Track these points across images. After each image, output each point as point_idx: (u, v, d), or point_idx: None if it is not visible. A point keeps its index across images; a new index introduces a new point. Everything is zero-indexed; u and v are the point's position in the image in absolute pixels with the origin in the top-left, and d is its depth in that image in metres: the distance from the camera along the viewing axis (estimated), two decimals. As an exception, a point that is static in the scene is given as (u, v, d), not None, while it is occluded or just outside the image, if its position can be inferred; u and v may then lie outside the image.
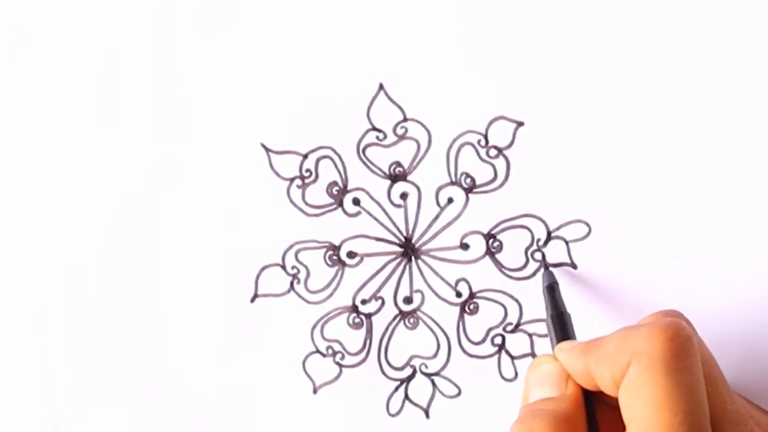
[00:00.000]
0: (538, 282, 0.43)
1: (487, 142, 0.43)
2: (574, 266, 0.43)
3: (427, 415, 0.44)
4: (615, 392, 0.34)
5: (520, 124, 0.43)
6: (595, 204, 0.42)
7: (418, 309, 0.44)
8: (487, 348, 0.43)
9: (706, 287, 0.42)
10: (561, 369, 0.36)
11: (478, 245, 0.43)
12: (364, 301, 0.44)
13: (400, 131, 0.43)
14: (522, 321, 0.43)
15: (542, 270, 0.43)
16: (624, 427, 0.34)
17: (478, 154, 0.43)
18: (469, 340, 0.43)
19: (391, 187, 0.44)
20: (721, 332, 0.42)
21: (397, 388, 0.44)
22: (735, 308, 0.42)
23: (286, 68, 0.43)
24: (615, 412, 0.35)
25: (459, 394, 0.44)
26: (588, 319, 0.42)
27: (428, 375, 0.44)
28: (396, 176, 0.44)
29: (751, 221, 0.42)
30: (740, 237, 0.42)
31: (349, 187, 0.44)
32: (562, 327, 0.39)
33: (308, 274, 0.44)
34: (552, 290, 0.41)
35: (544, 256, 0.43)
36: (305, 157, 0.44)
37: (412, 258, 0.44)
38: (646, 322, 0.34)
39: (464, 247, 0.43)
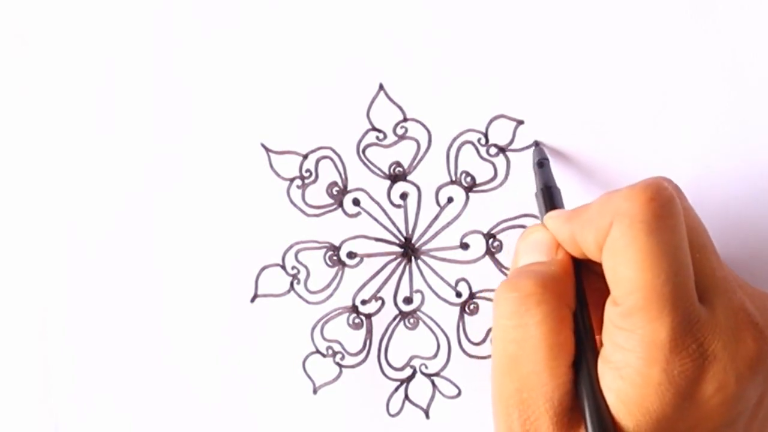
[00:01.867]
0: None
1: (487, 140, 0.43)
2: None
3: (427, 416, 0.44)
4: (597, 256, 0.33)
5: (520, 122, 0.43)
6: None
7: (418, 309, 0.44)
8: (487, 348, 0.43)
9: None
10: (551, 237, 0.36)
11: (478, 245, 0.43)
12: (364, 302, 0.44)
13: (400, 131, 0.43)
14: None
15: (533, 147, 0.42)
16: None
17: (478, 152, 0.43)
18: (469, 340, 0.43)
19: (391, 187, 0.44)
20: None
21: (397, 389, 0.44)
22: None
23: (286, 68, 0.43)
24: (602, 280, 0.35)
25: (459, 394, 0.43)
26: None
27: (428, 375, 0.44)
28: (396, 176, 0.44)
29: (751, 221, 0.42)
30: (740, 237, 0.42)
31: (349, 188, 0.44)
32: (551, 199, 0.39)
33: (308, 274, 0.44)
34: (542, 165, 0.40)
35: (537, 143, 0.42)
36: (305, 157, 0.44)
37: (412, 258, 0.44)
38: (629, 185, 0.33)
39: (464, 246, 0.43)
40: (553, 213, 0.37)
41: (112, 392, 0.44)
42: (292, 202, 0.44)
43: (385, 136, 0.43)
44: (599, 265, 0.34)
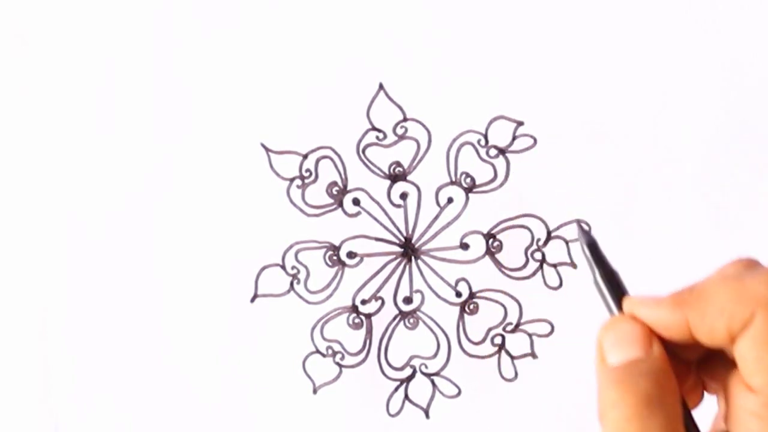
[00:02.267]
0: (539, 282, 0.43)
1: (487, 141, 0.43)
2: (574, 266, 0.43)
3: (427, 415, 0.44)
4: (725, 344, 0.33)
5: (519, 123, 0.43)
6: (595, 204, 0.42)
7: (418, 309, 0.44)
8: (487, 348, 0.43)
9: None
10: (642, 328, 0.36)
11: (478, 245, 0.43)
12: (364, 302, 0.44)
13: (400, 131, 0.43)
14: (522, 321, 0.43)
15: (576, 226, 0.41)
16: (689, 381, 0.34)
17: (478, 153, 0.43)
18: (469, 340, 0.43)
19: (391, 187, 0.44)
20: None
21: (397, 388, 0.44)
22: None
23: (286, 68, 0.43)
24: (681, 364, 0.34)
25: (459, 394, 0.43)
26: (588, 321, 0.42)
27: (428, 375, 0.44)
28: (396, 176, 0.44)
29: (750, 221, 0.42)
30: (740, 237, 0.42)
31: (349, 187, 0.44)
32: (619, 285, 0.38)
33: (308, 274, 0.44)
34: (595, 249, 0.39)
35: (579, 223, 0.42)
36: (305, 157, 0.44)
37: (412, 258, 0.44)
38: (753, 272, 0.33)
39: (464, 247, 0.43)
40: (641, 300, 0.36)
41: (112, 392, 0.44)
42: (292, 202, 0.44)
43: (385, 136, 0.43)
44: (686, 350, 0.34)
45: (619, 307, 0.36)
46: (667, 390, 0.33)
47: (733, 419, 0.33)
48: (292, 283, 0.44)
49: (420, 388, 0.44)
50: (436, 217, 0.44)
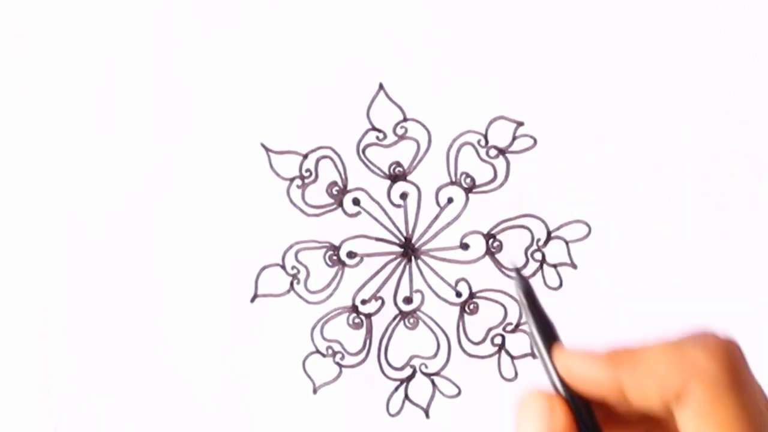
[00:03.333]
0: (539, 282, 0.43)
1: (487, 141, 0.43)
2: (574, 266, 0.43)
3: (427, 415, 0.44)
4: (660, 410, 0.33)
5: (520, 124, 0.43)
6: (595, 204, 0.42)
7: (418, 309, 0.44)
8: (487, 348, 0.43)
9: (706, 287, 0.42)
10: (559, 421, 0.35)
11: (478, 245, 0.43)
12: (364, 302, 0.44)
13: (400, 131, 0.43)
14: (522, 321, 0.43)
15: (515, 275, 0.41)
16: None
17: (478, 154, 0.43)
18: (469, 340, 0.43)
19: (391, 187, 0.44)
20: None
21: (397, 388, 0.44)
22: (735, 308, 0.42)
23: (286, 68, 0.43)
24: (616, 422, 0.34)
25: (459, 394, 0.43)
26: (588, 321, 0.42)
27: (428, 375, 0.44)
28: (396, 176, 0.44)
29: (750, 221, 0.42)
30: (740, 237, 0.42)
31: (349, 187, 0.44)
32: (552, 334, 0.37)
33: (308, 274, 0.44)
34: (532, 297, 0.38)
35: (518, 270, 0.41)
36: (305, 157, 0.44)
37: (412, 258, 0.44)
38: (695, 339, 0.33)
39: (464, 247, 0.43)
40: (573, 353, 0.35)
41: (112, 392, 0.44)
42: (292, 202, 0.44)
43: (385, 136, 0.43)
44: (620, 408, 0.34)
45: (550, 353, 0.35)
46: None
47: None
48: (292, 283, 0.44)
49: (420, 388, 0.44)
50: (436, 217, 0.44)
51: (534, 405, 0.35)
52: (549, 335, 0.35)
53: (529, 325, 0.36)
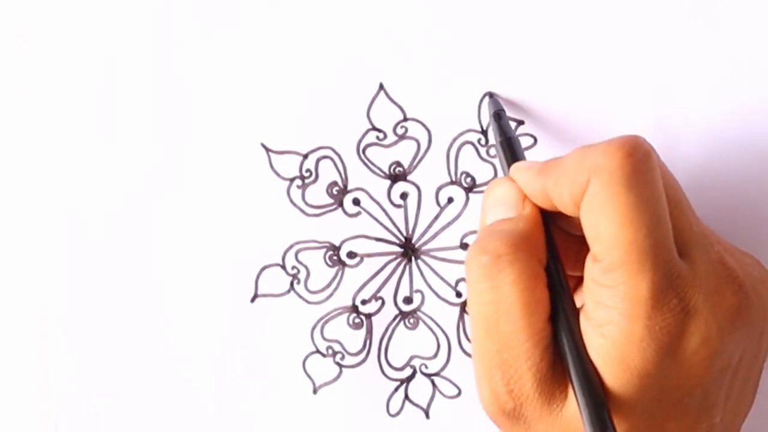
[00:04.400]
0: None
1: (487, 141, 0.43)
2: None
3: (427, 416, 0.44)
4: (574, 211, 0.33)
5: (520, 122, 0.43)
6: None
7: (418, 309, 0.44)
8: (488, 348, 0.43)
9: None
10: (517, 190, 0.35)
11: (478, 245, 0.43)
12: (364, 302, 0.44)
13: (400, 131, 0.43)
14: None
15: (487, 98, 0.41)
16: (579, 251, 0.34)
17: (478, 153, 0.43)
18: (470, 340, 0.43)
19: (391, 187, 0.44)
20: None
21: (397, 389, 0.44)
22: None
23: (286, 68, 0.43)
24: (570, 237, 0.34)
25: (459, 394, 0.43)
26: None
27: (428, 375, 0.44)
28: (396, 176, 0.44)
29: (751, 221, 0.42)
30: (740, 237, 0.42)
31: (349, 187, 0.44)
32: (512, 151, 0.38)
33: (308, 274, 0.44)
34: (499, 117, 0.40)
35: (491, 95, 0.42)
36: (305, 157, 0.44)
37: (412, 258, 0.44)
38: (604, 141, 0.33)
39: (464, 247, 0.43)
40: (520, 164, 0.36)
41: (112, 392, 0.44)
42: (292, 201, 0.44)
43: (385, 136, 0.43)
44: (567, 222, 0.34)
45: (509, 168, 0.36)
46: (523, 250, 0.33)
47: (585, 290, 0.33)
48: (292, 283, 0.44)
49: (420, 388, 0.44)
50: (437, 217, 0.44)
51: (506, 191, 0.35)
52: (513, 154, 0.37)
53: (495, 144, 0.38)
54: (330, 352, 0.44)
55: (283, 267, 0.44)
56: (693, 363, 0.32)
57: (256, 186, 0.44)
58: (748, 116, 0.42)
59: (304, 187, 0.44)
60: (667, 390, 0.32)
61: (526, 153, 0.42)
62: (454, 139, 0.43)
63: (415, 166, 0.43)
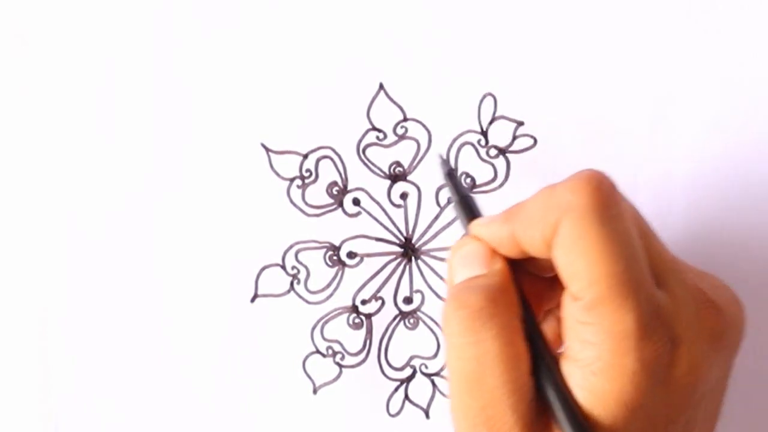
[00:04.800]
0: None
1: (487, 141, 0.43)
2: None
3: (427, 416, 0.44)
4: (546, 253, 0.33)
5: (520, 123, 0.43)
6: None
7: (418, 309, 0.44)
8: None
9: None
10: (485, 246, 0.35)
11: (478, 245, 0.43)
12: (364, 302, 0.44)
13: (400, 131, 0.43)
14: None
15: (439, 159, 0.41)
16: (548, 292, 0.34)
17: (478, 153, 0.43)
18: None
19: (391, 187, 0.44)
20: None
21: (397, 389, 0.44)
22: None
23: (286, 68, 0.43)
24: (538, 281, 0.34)
25: (459, 394, 0.43)
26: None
27: (428, 375, 0.44)
28: (396, 176, 0.44)
29: (751, 221, 0.42)
30: (740, 237, 0.42)
31: (349, 187, 0.44)
32: (470, 209, 0.38)
33: (308, 274, 0.44)
34: (452, 176, 0.40)
35: (440, 156, 0.42)
36: (305, 157, 0.44)
37: (412, 258, 0.44)
38: (568, 179, 0.33)
39: (464, 247, 0.43)
40: (481, 220, 0.36)
41: (112, 392, 0.44)
42: (292, 202, 0.44)
43: (385, 136, 0.43)
44: (534, 265, 0.34)
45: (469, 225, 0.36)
46: (502, 304, 0.33)
47: (567, 332, 0.33)
48: (292, 283, 0.44)
49: (420, 388, 0.44)
50: (437, 217, 0.44)
51: (473, 249, 0.35)
52: (470, 212, 0.37)
53: (453, 202, 0.38)
54: (330, 352, 0.44)
55: (283, 267, 0.44)
56: (679, 391, 0.32)
57: (256, 186, 0.44)
58: (747, 116, 0.42)
59: (304, 187, 0.44)
60: (652, 419, 0.32)
61: (525, 153, 0.42)
62: (454, 140, 0.43)
63: (415, 166, 0.43)
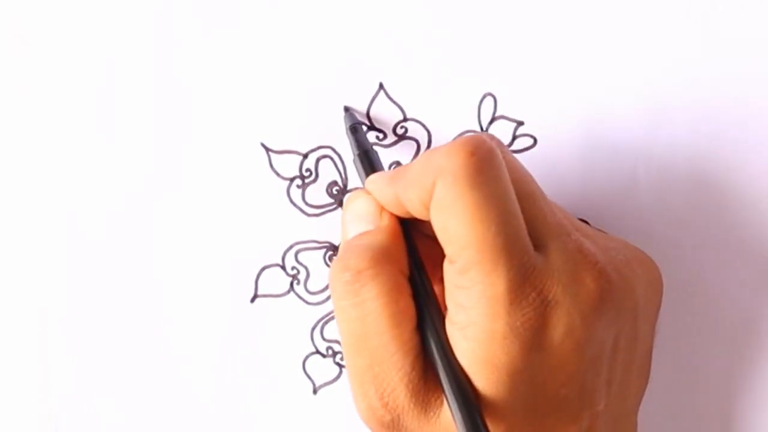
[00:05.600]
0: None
1: (486, 141, 0.43)
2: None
3: (427, 416, 0.44)
4: (426, 215, 0.33)
5: (520, 123, 0.43)
6: (595, 204, 0.42)
7: (418, 309, 0.44)
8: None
9: (708, 289, 0.42)
10: (374, 202, 0.35)
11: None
12: (364, 302, 0.44)
13: (400, 131, 0.43)
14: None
15: (344, 113, 0.41)
16: (443, 257, 0.34)
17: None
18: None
19: (391, 187, 0.43)
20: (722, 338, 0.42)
21: (397, 389, 0.44)
22: (738, 310, 0.42)
23: (287, 68, 0.43)
24: (434, 243, 0.34)
25: (459, 394, 0.43)
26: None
27: (428, 375, 0.44)
28: (396, 176, 0.43)
29: (751, 221, 0.42)
30: (740, 237, 0.42)
31: (349, 187, 0.44)
32: (370, 163, 0.38)
33: (308, 274, 0.44)
34: (355, 130, 0.40)
35: (347, 109, 0.42)
36: (305, 157, 0.44)
37: (412, 258, 0.44)
38: (449, 143, 0.33)
39: (464, 247, 0.43)
40: (373, 177, 0.36)
41: (112, 392, 0.44)
42: (292, 201, 0.44)
43: (385, 136, 0.43)
44: (427, 227, 0.34)
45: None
46: (385, 262, 0.33)
47: (447, 294, 0.33)
48: (292, 284, 0.44)
49: (420, 389, 0.44)
50: (436, 217, 0.43)
51: (363, 205, 0.36)
52: (371, 167, 0.38)
53: (354, 156, 0.38)
54: (330, 352, 0.44)
55: (283, 267, 0.44)
56: (561, 354, 0.32)
57: (256, 186, 0.44)
58: (747, 116, 0.42)
59: (304, 186, 0.44)
60: (539, 385, 0.32)
61: (525, 153, 0.42)
62: (454, 140, 0.43)
63: (415, 166, 0.43)
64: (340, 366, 0.44)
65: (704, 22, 0.42)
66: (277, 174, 0.44)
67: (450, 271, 0.32)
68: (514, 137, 0.43)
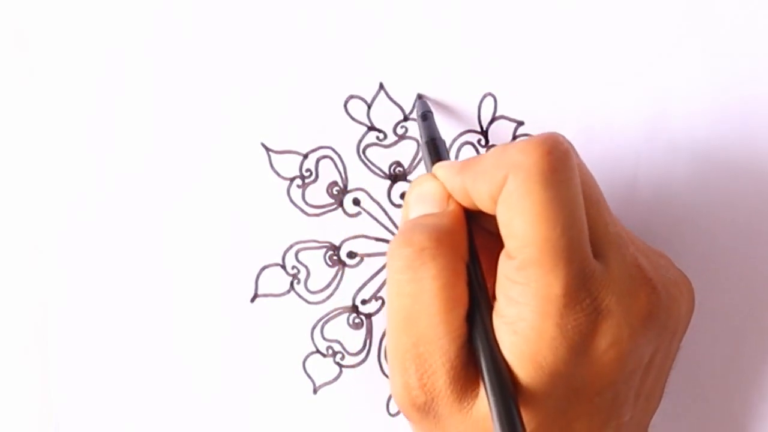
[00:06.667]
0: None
1: (487, 141, 0.43)
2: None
3: (427, 415, 0.44)
4: (492, 208, 0.33)
5: (520, 123, 0.43)
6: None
7: (418, 309, 0.44)
8: (488, 348, 0.43)
9: (708, 289, 0.42)
10: (441, 187, 0.35)
11: (478, 245, 0.43)
12: (364, 302, 0.44)
13: (400, 131, 0.43)
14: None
15: (416, 100, 0.42)
16: (499, 250, 0.34)
17: (478, 153, 0.43)
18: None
19: (391, 187, 0.44)
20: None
21: (397, 388, 0.44)
22: (738, 310, 0.42)
23: (286, 68, 0.43)
24: (490, 237, 0.34)
25: (459, 394, 0.43)
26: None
27: (428, 375, 0.44)
28: (396, 176, 0.44)
29: (751, 221, 0.42)
30: (741, 237, 0.42)
31: (349, 187, 0.44)
32: (437, 151, 0.38)
33: (308, 274, 0.44)
34: (425, 118, 0.40)
35: (420, 96, 0.42)
36: (305, 157, 0.44)
37: (412, 258, 0.44)
38: (524, 139, 0.33)
39: (464, 247, 0.43)
40: (443, 163, 0.36)
41: (112, 392, 0.44)
42: (292, 201, 0.44)
43: (386, 136, 0.43)
44: (488, 220, 0.34)
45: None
46: (447, 245, 0.33)
47: (498, 287, 0.33)
48: (292, 283, 0.44)
49: (420, 388, 0.44)
50: (436, 217, 0.44)
51: (430, 188, 0.36)
52: (437, 154, 0.38)
53: (421, 143, 0.38)
54: (330, 352, 0.44)
55: (283, 267, 0.44)
56: (603, 363, 0.32)
57: (256, 186, 0.44)
58: (747, 116, 0.42)
59: (304, 186, 0.44)
60: (577, 389, 0.32)
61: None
62: (454, 140, 0.43)
63: (415, 166, 0.43)
64: (340, 366, 0.44)
65: (704, 23, 0.42)
66: (278, 174, 0.44)
67: (507, 265, 0.32)
68: (514, 137, 0.43)
